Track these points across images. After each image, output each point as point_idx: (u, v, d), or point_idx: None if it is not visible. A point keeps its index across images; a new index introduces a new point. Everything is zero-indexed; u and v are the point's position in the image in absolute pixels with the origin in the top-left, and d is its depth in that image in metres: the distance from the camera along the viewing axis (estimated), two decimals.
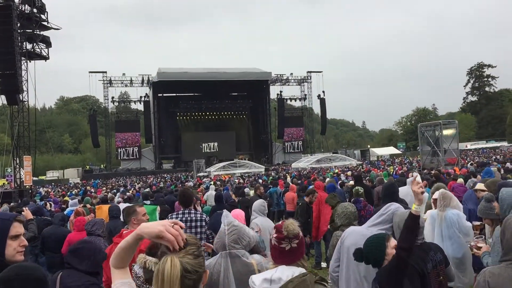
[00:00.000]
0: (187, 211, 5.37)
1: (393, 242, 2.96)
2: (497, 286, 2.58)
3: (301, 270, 2.39)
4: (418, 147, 31.29)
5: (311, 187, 10.08)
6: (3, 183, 39.49)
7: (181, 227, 1.61)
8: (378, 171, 22.27)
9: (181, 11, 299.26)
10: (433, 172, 13.54)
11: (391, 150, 69.49)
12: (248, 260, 3.03)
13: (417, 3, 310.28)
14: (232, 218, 3.19)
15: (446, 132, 21.31)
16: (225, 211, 3.27)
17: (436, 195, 5.22)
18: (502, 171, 12.40)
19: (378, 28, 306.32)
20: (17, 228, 2.26)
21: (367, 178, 15.09)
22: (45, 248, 6.84)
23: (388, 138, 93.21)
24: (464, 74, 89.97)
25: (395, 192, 4.96)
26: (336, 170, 26.82)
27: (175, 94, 64.14)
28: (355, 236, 3.56)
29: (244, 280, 2.86)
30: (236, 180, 24.53)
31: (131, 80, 59.41)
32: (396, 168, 23.85)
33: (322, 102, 64.68)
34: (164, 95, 62.67)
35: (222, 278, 2.95)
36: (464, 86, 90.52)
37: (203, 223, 5.32)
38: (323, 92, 64.22)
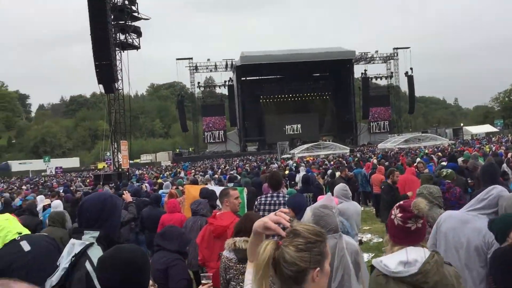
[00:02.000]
0: (275, 194, 5.43)
1: None
2: None
3: (427, 251, 2.33)
4: None
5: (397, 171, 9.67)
6: (104, 166, 42.78)
7: (284, 213, 1.64)
8: (473, 150, 20.92)
9: None
10: None
11: (487, 128, 64.77)
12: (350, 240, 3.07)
13: None
14: (334, 203, 3.21)
15: None
16: (329, 194, 3.29)
17: None
18: None
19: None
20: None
21: (461, 159, 14.24)
22: (144, 227, 7.35)
23: (483, 115, 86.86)
24: None
25: (496, 173, 4.64)
26: (427, 151, 25.61)
27: (258, 77, 64.90)
28: (452, 221, 3.38)
29: (354, 258, 2.90)
30: (320, 162, 24.35)
31: (215, 65, 60.91)
32: (494, 148, 22.22)
33: (410, 79, 61.75)
34: (248, 78, 63.59)
35: (337, 259, 2.98)
36: None
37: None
38: (411, 69, 61.25)
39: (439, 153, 20.50)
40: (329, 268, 1.66)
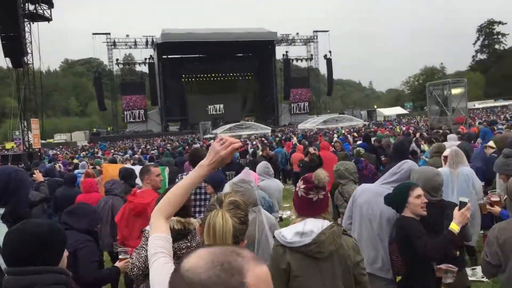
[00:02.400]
0: None
1: (416, 191, 2.98)
2: (506, 240, 2.62)
3: (327, 223, 2.41)
4: (425, 107, 31.03)
5: (310, 150, 10.02)
6: (12, 146, 39.90)
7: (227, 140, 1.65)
8: (385, 131, 22.19)
9: None
10: (441, 131, 13.49)
11: (398, 110, 68.86)
12: (269, 215, 3.12)
13: None
14: (252, 177, 3.23)
15: (455, 91, 21.08)
16: (247, 168, 3.30)
17: (446, 152, 5.21)
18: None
19: None
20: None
21: (374, 138, 15.04)
22: (58, 208, 6.96)
23: (395, 98, 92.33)
24: (473, 31, 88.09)
25: (406, 150, 4.94)
26: (343, 131, 26.76)
27: (180, 56, 63.50)
28: (367, 194, 3.56)
29: (272, 232, 2.95)
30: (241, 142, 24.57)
31: (135, 42, 58.72)
32: (404, 128, 23.74)
33: (329, 62, 63.80)
34: (169, 56, 62.04)
35: (259, 232, 3.01)
36: (473, 44, 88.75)
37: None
38: (330, 52, 63.29)
39: (355, 133, 21.53)
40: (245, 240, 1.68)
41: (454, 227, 2.87)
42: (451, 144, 6.79)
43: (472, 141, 9.34)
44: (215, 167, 1.63)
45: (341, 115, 49.02)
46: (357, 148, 7.67)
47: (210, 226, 1.50)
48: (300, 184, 2.53)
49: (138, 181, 5.81)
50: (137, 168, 6.66)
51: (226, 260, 0.87)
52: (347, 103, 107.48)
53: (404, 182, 3.22)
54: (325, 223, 2.39)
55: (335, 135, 22.23)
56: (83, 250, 3.19)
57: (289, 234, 2.43)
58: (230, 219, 1.51)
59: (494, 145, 6.03)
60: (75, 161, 17.09)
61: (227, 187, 3.24)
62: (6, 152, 34.33)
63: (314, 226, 2.37)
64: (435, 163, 5.51)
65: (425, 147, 10.06)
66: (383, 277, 3.33)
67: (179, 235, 2.64)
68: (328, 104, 74.30)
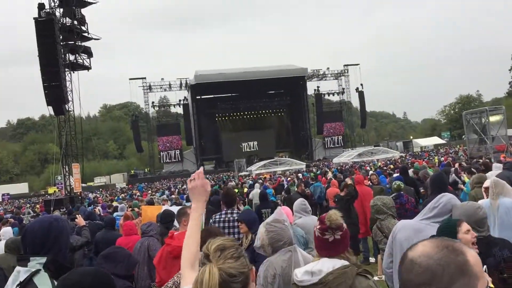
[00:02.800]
0: (230, 211, 5.41)
1: (464, 227, 2.87)
2: None
3: (344, 263, 2.39)
4: (463, 136, 30.29)
5: (347, 180, 9.90)
6: (54, 191, 41.27)
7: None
8: (423, 162, 21.70)
9: (214, 13, 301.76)
10: (481, 161, 13.09)
11: (435, 140, 67.48)
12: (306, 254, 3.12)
13: None
14: (285, 216, 3.24)
15: (493, 118, 20.53)
16: (279, 208, 3.32)
17: (487, 183, 5.05)
18: None
19: (414, 15, 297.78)
20: None
21: (411, 170, 14.73)
22: (98, 252, 7.07)
23: (431, 128, 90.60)
24: (508, 57, 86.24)
25: (444, 182, 4.83)
26: (379, 164, 26.33)
27: (213, 96, 64.93)
28: (407, 230, 3.49)
29: None
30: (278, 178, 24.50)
31: (169, 85, 60.53)
32: (442, 159, 23.16)
33: (361, 95, 63.67)
34: (203, 97, 63.52)
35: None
36: (510, 69, 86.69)
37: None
38: (361, 85, 63.21)
39: (391, 166, 21.14)
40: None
41: None
42: (495, 173, 6.58)
43: None
44: (201, 199, 1.86)
45: (376, 147, 48.35)
46: (397, 182, 7.50)
47: (197, 283, 1.48)
48: (317, 224, 2.54)
49: (175, 223, 5.88)
50: (175, 209, 6.74)
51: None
52: (382, 135, 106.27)
53: (448, 218, 3.13)
54: (338, 263, 2.38)
55: (371, 168, 21.89)
56: None
57: (300, 272, 2.46)
58: (219, 270, 1.48)
59: None
60: (114, 203, 17.46)
61: (261, 228, 3.24)
62: (48, 197, 35.52)
63: (325, 265, 2.38)
64: (477, 194, 5.34)
65: (465, 178, 9.75)
66: None
67: None
68: (362, 137, 73.65)
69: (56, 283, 2.09)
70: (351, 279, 2.30)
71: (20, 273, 2.13)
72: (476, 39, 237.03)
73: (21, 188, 69.50)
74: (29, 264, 2.16)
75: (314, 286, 2.34)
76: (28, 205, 32.59)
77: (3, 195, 57.22)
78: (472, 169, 9.73)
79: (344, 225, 2.51)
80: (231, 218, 5.27)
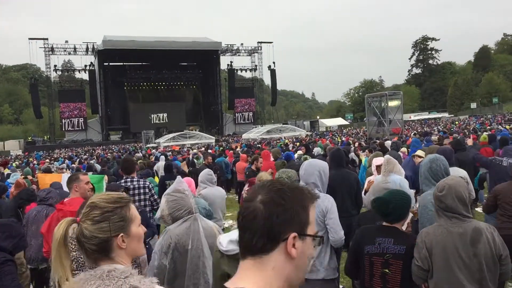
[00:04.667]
0: (129, 178, 5.28)
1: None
2: (432, 244, 2.75)
3: None
4: (365, 118, 32.17)
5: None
6: None
7: None
8: (326, 141, 22.76)
9: None
10: (378, 141, 14.00)
11: (339, 121, 70.96)
12: (210, 223, 3.09)
13: None
14: (184, 186, 3.16)
15: (392, 103, 22.00)
16: (178, 177, 3.24)
17: (378, 161, 5.39)
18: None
19: (328, 1, 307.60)
20: None
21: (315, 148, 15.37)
22: None
23: (336, 109, 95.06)
24: (410, 47, 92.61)
25: (341, 158, 5.07)
26: (286, 141, 27.14)
27: (122, 63, 62.02)
28: None
29: (209, 242, 2.91)
30: (186, 151, 24.30)
31: (74, 48, 56.78)
32: (344, 138, 24.45)
33: (273, 73, 64.80)
34: (111, 64, 60.50)
35: (193, 241, 2.95)
36: (409, 58, 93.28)
37: (146, 190, 5.26)
38: (274, 63, 64.37)
39: (297, 143, 21.90)
40: (139, 230, 1.65)
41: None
42: (377, 154, 7.08)
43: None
44: None
45: (284, 125, 49.75)
46: (304, 156, 7.83)
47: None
48: (246, 187, 2.54)
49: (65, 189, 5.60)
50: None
51: None
52: (290, 113, 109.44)
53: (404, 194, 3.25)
54: None
55: (279, 145, 22.49)
56: (5, 272, 2.95)
57: (224, 241, 2.44)
58: (65, 225, 1.54)
59: (422, 155, 6.33)
60: (7, 171, 16.14)
61: (162, 199, 3.16)
62: None
63: None
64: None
65: (362, 156, 10.40)
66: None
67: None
68: (272, 115, 75.25)
69: None
70: None
71: None
72: (384, 29, 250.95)
73: None
74: None
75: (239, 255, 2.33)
76: None
77: None
78: (371, 148, 10.37)
79: None
80: (131, 186, 5.15)
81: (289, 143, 23.67)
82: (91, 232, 1.51)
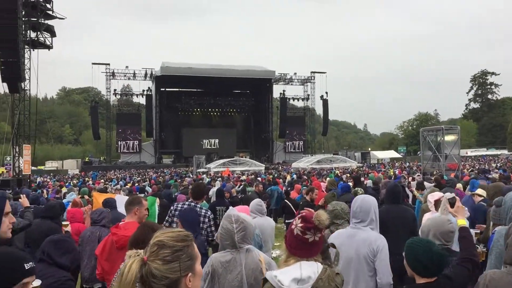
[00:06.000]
0: (193, 203, 5.35)
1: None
2: None
3: (320, 265, 2.32)
4: (418, 152, 31.19)
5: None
6: (2, 172, 39.48)
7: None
8: (378, 174, 22.20)
9: (188, 5, 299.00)
10: (433, 177, 13.45)
11: (391, 153, 69.34)
12: (258, 257, 3.04)
13: (422, 6, 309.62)
14: (242, 215, 3.16)
15: (448, 137, 21.20)
16: (231, 208, 3.24)
17: (435, 196, 5.14)
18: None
19: (383, 30, 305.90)
20: (7, 206, 2.30)
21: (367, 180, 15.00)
22: (30, 239, 6.53)
23: (389, 142, 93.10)
24: (467, 81, 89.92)
25: (399, 193, 4.89)
26: (337, 171, 26.73)
27: (177, 89, 64.18)
28: (341, 236, 3.58)
29: (252, 276, 2.86)
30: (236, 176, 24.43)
31: (134, 73, 59.33)
32: (397, 172, 23.76)
33: (325, 103, 64.63)
34: (167, 89, 62.64)
35: (234, 274, 2.94)
36: (467, 92, 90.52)
37: (206, 220, 5.26)
38: (326, 93, 64.25)
39: (348, 174, 21.49)
40: (200, 268, 1.63)
41: (462, 222, 3.05)
42: (433, 190, 6.81)
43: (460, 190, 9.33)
44: None
45: (335, 155, 49.13)
46: (356, 189, 7.65)
47: (119, 274, 1.49)
48: (298, 222, 2.43)
49: (121, 210, 5.71)
50: (124, 199, 6.54)
51: None
52: (341, 144, 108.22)
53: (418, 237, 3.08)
54: (319, 267, 2.30)
55: (331, 175, 22.16)
56: None
57: (286, 279, 2.29)
58: (136, 267, 1.47)
59: (483, 194, 6.02)
60: (64, 189, 16.84)
61: (224, 221, 3.17)
62: None
63: (311, 271, 2.28)
64: (427, 208, 5.45)
65: (416, 192, 9.99)
66: None
67: None
68: (322, 144, 74.68)
69: None
70: (333, 281, 2.27)
71: None
72: (440, 61, 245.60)
73: None
74: None
75: None
76: None
77: None
78: (424, 184, 9.98)
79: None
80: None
81: (340, 174, 23.30)
82: (161, 273, 1.48)
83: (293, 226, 2.44)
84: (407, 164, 40.72)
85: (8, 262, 1.81)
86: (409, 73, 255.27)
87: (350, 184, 11.95)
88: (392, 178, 17.23)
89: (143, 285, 1.49)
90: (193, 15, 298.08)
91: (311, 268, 2.29)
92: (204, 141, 61.63)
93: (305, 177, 21.16)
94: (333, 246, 2.55)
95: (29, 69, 25.95)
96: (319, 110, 71.57)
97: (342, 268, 3.34)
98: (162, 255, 1.50)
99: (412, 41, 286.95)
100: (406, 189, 11.44)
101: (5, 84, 24.48)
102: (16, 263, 1.83)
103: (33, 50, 26.82)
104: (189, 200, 5.55)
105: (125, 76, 60.09)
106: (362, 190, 8.01)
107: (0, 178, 25.70)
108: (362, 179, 14.08)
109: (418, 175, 17.48)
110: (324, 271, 2.26)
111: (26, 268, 1.84)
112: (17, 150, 26.38)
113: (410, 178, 15.08)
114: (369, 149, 77.87)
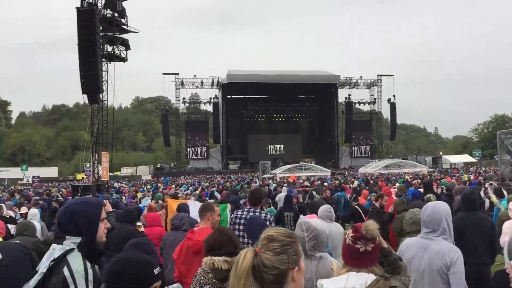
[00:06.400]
0: (252, 209, 5.41)
1: None
2: None
3: (373, 277, 2.29)
4: (495, 156, 29.48)
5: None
6: (82, 178, 42.11)
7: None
8: (451, 179, 21.24)
9: (251, 13, 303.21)
10: None
11: (465, 158, 65.90)
12: (331, 265, 3.05)
13: (490, 4, 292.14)
14: (310, 221, 3.21)
15: None
16: (302, 217, 3.29)
17: None
18: None
19: (453, 30, 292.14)
20: (103, 212, 2.45)
21: (439, 186, 14.41)
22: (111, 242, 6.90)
23: (462, 146, 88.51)
24: None
25: (475, 200, 4.72)
26: (407, 177, 25.88)
27: (243, 96, 65.29)
28: (413, 248, 3.43)
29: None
30: (301, 182, 24.39)
31: (201, 82, 61.04)
32: (472, 177, 22.59)
33: (392, 106, 62.83)
34: (233, 96, 63.87)
35: (305, 281, 3.00)
36: None
37: (267, 223, 5.34)
38: (394, 96, 62.43)
39: (418, 180, 20.74)
40: (304, 265, 1.73)
41: None
42: None
43: None
44: None
45: (404, 160, 47.58)
46: (428, 195, 7.43)
47: (234, 264, 1.63)
48: (350, 232, 2.47)
49: (193, 215, 5.94)
50: (197, 204, 6.80)
51: None
52: (410, 148, 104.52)
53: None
54: (370, 278, 2.28)
55: (400, 181, 21.53)
56: None
57: None
58: (253, 257, 1.60)
59: None
60: (139, 194, 17.70)
61: (297, 229, 3.24)
62: (76, 182, 36.26)
63: (357, 282, 2.28)
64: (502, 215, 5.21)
65: (493, 198, 9.40)
66: None
67: (228, 276, 2.64)
68: (390, 149, 72.55)
69: (88, 263, 2.16)
70: None
71: (55, 250, 2.22)
72: None
73: (51, 172, 71.37)
74: (64, 243, 2.25)
75: None
76: (56, 189, 33.33)
77: (33, 177, 58.80)
78: (503, 190, 9.44)
79: (378, 238, 2.41)
80: (253, 217, 5.26)
81: (410, 179, 22.55)
82: (272, 263, 1.61)
83: (345, 236, 2.48)
84: (483, 169, 38.56)
85: (143, 267, 2.02)
86: (483, 73, 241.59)
87: (421, 190, 11.58)
88: (467, 184, 16.43)
89: (254, 275, 1.62)
90: (254, 22, 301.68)
91: (358, 280, 2.30)
92: (269, 146, 62.07)
93: (372, 182, 20.73)
94: (400, 259, 2.53)
95: (106, 81, 27.60)
96: (386, 114, 69.80)
97: (415, 281, 3.29)
98: (272, 247, 1.64)
99: (485, 38, 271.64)
100: (482, 194, 10.90)
101: (85, 96, 26.15)
102: (148, 268, 2.03)
103: (110, 63, 28.50)
104: (248, 207, 5.59)
105: (193, 84, 62.00)
106: (434, 196, 7.76)
107: (81, 184, 27.42)
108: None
109: (496, 181, 16.56)
110: (375, 283, 2.22)
111: (155, 273, 2.04)
112: (96, 157, 28.07)
113: (487, 184, 14.29)
114: (441, 153, 74.48)
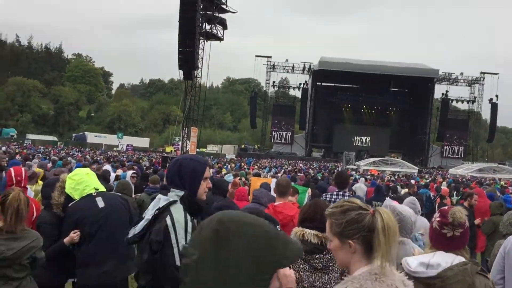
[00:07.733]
0: (341, 192, 5.43)
1: None
2: None
3: (461, 259, 2.28)
4: None
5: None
6: (171, 150, 44.34)
7: None
8: None
9: (348, 2, 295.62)
10: None
11: None
12: (412, 250, 3.03)
13: None
14: (396, 205, 3.19)
15: None
16: (387, 199, 3.29)
17: None
18: None
19: None
20: (207, 171, 2.60)
21: None
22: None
23: None
24: None
25: None
26: (502, 183, 24.15)
27: (333, 84, 64.31)
28: None
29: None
30: (386, 177, 23.74)
31: (293, 67, 61.03)
32: None
33: (494, 107, 58.41)
34: (323, 84, 63.20)
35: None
36: None
37: None
38: (496, 96, 57.87)
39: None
40: None
41: None
42: None
43: None
44: None
45: (501, 165, 44.30)
46: None
47: (384, 227, 1.68)
48: (436, 216, 2.44)
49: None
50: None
51: None
52: (509, 153, 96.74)
53: None
54: (457, 259, 2.26)
55: (496, 186, 20.15)
56: None
57: (413, 262, 2.34)
58: (381, 216, 1.73)
59: None
60: (224, 171, 18.32)
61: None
62: (166, 154, 38.28)
63: (443, 260, 2.26)
64: None
65: None
66: None
67: (315, 249, 2.71)
68: (486, 152, 67.85)
69: (188, 216, 2.35)
70: (471, 277, 2.20)
71: (160, 200, 2.43)
72: None
73: (143, 142, 75.85)
74: (169, 194, 2.45)
75: (430, 280, 2.25)
76: (146, 158, 35.39)
77: (127, 145, 62.95)
78: None
79: (467, 223, 2.39)
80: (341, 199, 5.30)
81: (507, 186, 21.05)
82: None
83: (432, 219, 2.46)
84: None
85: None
86: None
87: None
88: None
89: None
90: (353, 10, 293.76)
91: (445, 258, 2.28)
92: (355, 138, 60.87)
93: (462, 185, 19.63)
94: None
95: (202, 58, 28.70)
96: (486, 115, 65.25)
97: None
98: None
99: None
100: None
101: (181, 72, 27.42)
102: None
103: (206, 41, 29.53)
104: (337, 191, 5.63)
105: (284, 69, 62.18)
106: None
107: (170, 156, 28.83)
108: None
109: None
110: (462, 264, 2.20)
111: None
112: (185, 132, 29.43)
113: None
114: None
